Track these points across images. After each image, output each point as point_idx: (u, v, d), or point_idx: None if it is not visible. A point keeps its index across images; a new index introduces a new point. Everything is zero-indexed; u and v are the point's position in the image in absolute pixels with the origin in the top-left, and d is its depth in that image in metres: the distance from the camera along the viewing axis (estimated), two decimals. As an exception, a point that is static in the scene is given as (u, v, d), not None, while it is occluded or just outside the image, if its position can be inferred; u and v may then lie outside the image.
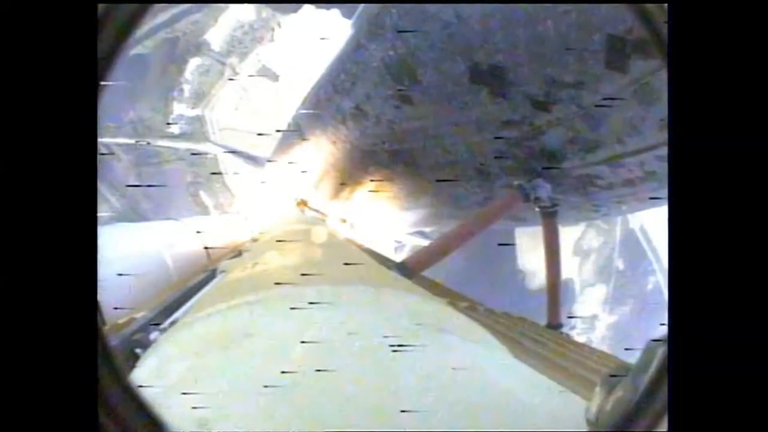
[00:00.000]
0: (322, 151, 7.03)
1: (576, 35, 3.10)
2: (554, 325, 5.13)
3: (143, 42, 10.94)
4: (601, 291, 16.06)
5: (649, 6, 0.65)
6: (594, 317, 16.04)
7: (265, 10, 11.30)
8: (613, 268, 15.91)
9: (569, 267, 14.48)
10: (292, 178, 9.31)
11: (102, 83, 0.59)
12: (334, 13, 11.23)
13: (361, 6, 5.29)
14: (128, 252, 4.28)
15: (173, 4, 11.26)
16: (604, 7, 2.90)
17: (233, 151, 11.87)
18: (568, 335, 5.01)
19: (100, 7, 0.58)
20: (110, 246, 4.12)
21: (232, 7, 11.27)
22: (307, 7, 11.18)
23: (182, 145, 11.33)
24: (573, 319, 14.99)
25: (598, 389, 0.68)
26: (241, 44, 11.51)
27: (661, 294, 15.91)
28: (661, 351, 0.63)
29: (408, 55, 4.14)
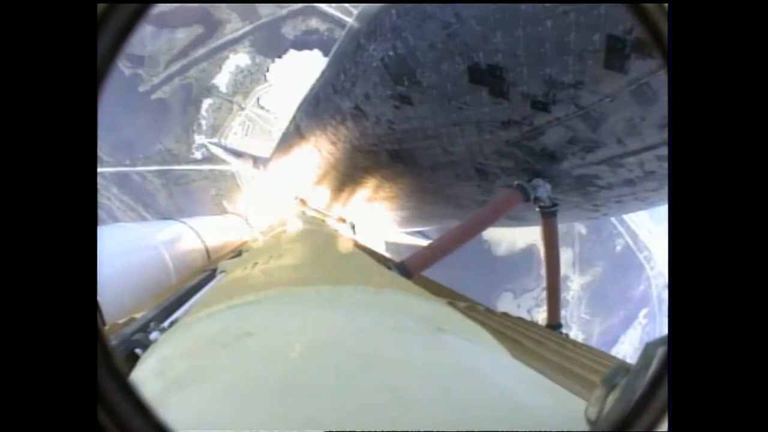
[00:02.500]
0: (322, 151, 7.03)
1: (576, 35, 3.10)
2: (554, 325, 5.14)
3: (162, 88, 13.83)
4: (567, 254, 16.79)
5: (649, 6, 0.65)
6: (566, 278, 16.81)
7: (258, 56, 14.13)
8: (575, 233, 16.43)
9: (531, 234, 15.19)
10: (292, 178, 9.32)
11: (102, 83, 0.59)
12: (315, 53, 13.80)
13: (336, 45, 5.35)
14: (128, 252, 4.28)
15: (183, 57, 14.06)
16: (603, 6, 2.90)
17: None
18: (567, 335, 5.01)
19: (100, 7, 0.58)
20: (110, 246, 4.12)
21: (232, 56, 14.04)
22: (292, 51, 14.03)
23: (205, 167, 14.30)
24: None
25: (598, 389, 0.68)
26: (242, 85, 14.41)
27: (633, 254, 16.54)
28: (661, 351, 0.63)
29: (407, 55, 4.14)
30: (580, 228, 16.28)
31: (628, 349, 16.38)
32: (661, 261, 16.62)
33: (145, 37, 13.68)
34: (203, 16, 13.74)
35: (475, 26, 3.54)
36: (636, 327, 16.89)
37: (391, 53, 4.28)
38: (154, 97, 13.80)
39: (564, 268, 16.61)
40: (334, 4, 13.58)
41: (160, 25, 13.56)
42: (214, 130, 14.32)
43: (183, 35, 13.81)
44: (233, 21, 13.90)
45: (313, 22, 13.75)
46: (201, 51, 13.99)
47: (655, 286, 16.83)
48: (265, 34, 13.98)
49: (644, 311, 16.92)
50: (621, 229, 16.18)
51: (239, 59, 14.22)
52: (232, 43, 14.10)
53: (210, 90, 14.26)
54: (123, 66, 13.69)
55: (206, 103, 14.37)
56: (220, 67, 14.25)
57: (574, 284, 16.79)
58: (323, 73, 6.16)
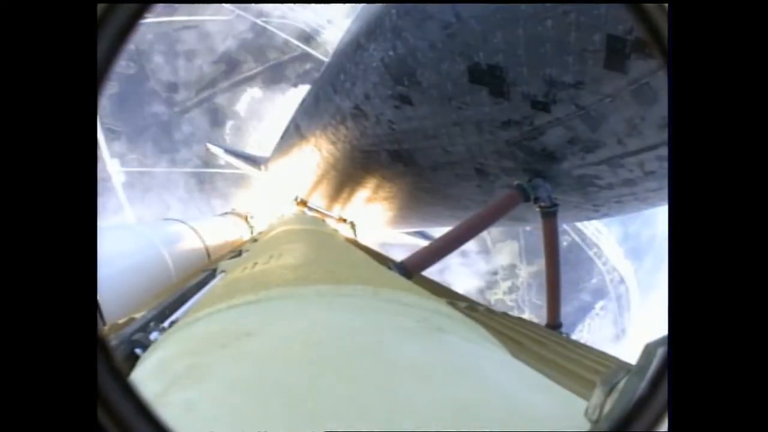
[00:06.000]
0: (322, 151, 7.03)
1: (576, 35, 3.11)
2: (554, 325, 5.14)
3: (194, 111, 18.84)
4: (513, 246, 18.67)
5: (649, 6, 0.65)
6: (513, 266, 18.73)
7: (265, 91, 19.05)
8: (518, 229, 17.80)
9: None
10: (291, 178, 9.33)
11: (102, 83, 0.59)
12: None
13: (336, 46, 5.37)
14: (128, 252, 4.28)
15: (211, 87, 18.64)
16: (604, 6, 2.90)
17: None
18: (568, 335, 5.02)
19: (100, 7, 0.58)
20: (111, 246, 4.12)
21: (248, 89, 18.97)
22: (292, 90, 18.84)
23: (227, 170, 18.93)
24: (496, 266, 18.22)
25: (598, 389, 0.68)
26: (257, 112, 19.20)
27: (582, 250, 18.06)
28: (661, 351, 0.63)
29: (408, 55, 4.14)
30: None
31: (587, 337, 17.59)
32: (612, 258, 18.11)
33: (179, 68, 18.41)
34: (226, 56, 18.71)
35: (475, 26, 3.54)
36: (594, 317, 18.20)
37: (391, 53, 4.29)
38: (187, 116, 18.62)
39: (510, 258, 18.42)
40: (320, 55, 18.37)
41: (191, 60, 18.35)
42: (235, 144, 18.88)
43: (210, 70, 18.75)
44: (249, 62, 18.82)
45: (308, 66, 18.82)
46: (225, 83, 18.97)
47: (610, 281, 18.24)
48: (272, 73, 18.95)
49: (600, 303, 18.26)
50: (566, 227, 17.38)
51: (254, 92, 19.09)
52: (248, 80, 18.96)
53: (232, 115, 19.08)
54: (161, 90, 18.24)
55: (229, 124, 19.19)
56: (239, 98, 19.16)
57: (522, 272, 18.65)
58: (323, 73, 6.17)
